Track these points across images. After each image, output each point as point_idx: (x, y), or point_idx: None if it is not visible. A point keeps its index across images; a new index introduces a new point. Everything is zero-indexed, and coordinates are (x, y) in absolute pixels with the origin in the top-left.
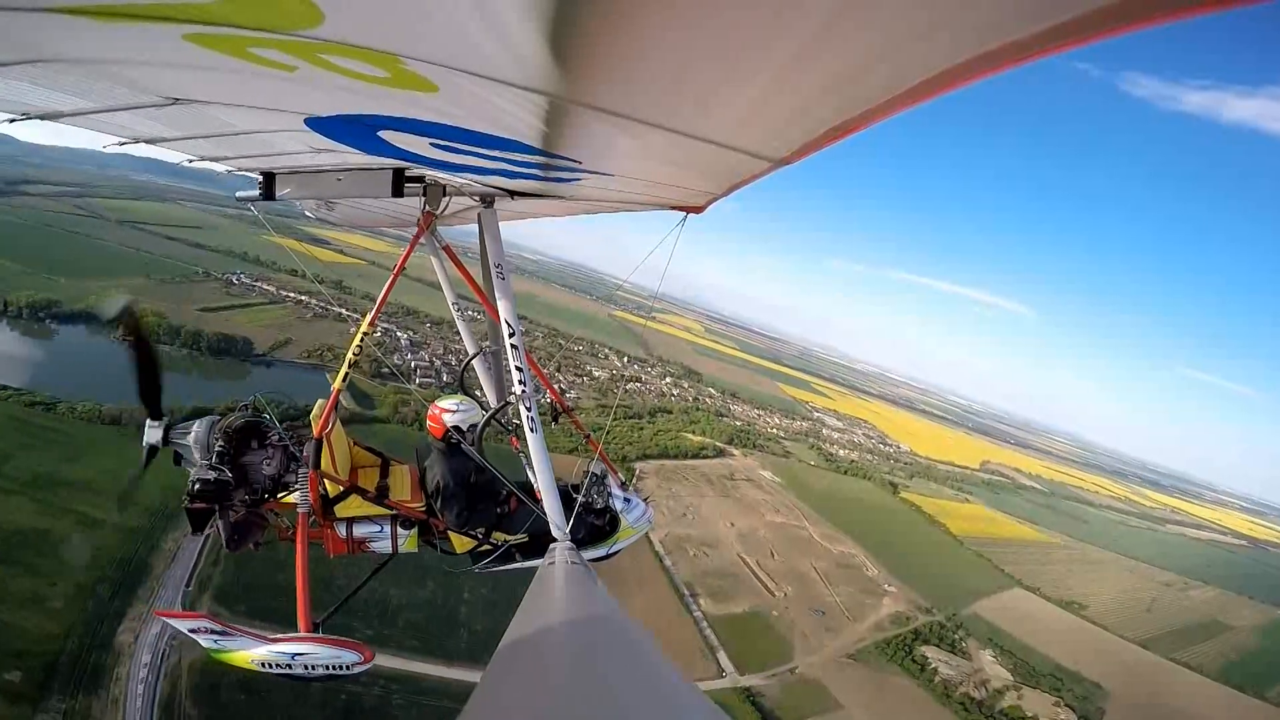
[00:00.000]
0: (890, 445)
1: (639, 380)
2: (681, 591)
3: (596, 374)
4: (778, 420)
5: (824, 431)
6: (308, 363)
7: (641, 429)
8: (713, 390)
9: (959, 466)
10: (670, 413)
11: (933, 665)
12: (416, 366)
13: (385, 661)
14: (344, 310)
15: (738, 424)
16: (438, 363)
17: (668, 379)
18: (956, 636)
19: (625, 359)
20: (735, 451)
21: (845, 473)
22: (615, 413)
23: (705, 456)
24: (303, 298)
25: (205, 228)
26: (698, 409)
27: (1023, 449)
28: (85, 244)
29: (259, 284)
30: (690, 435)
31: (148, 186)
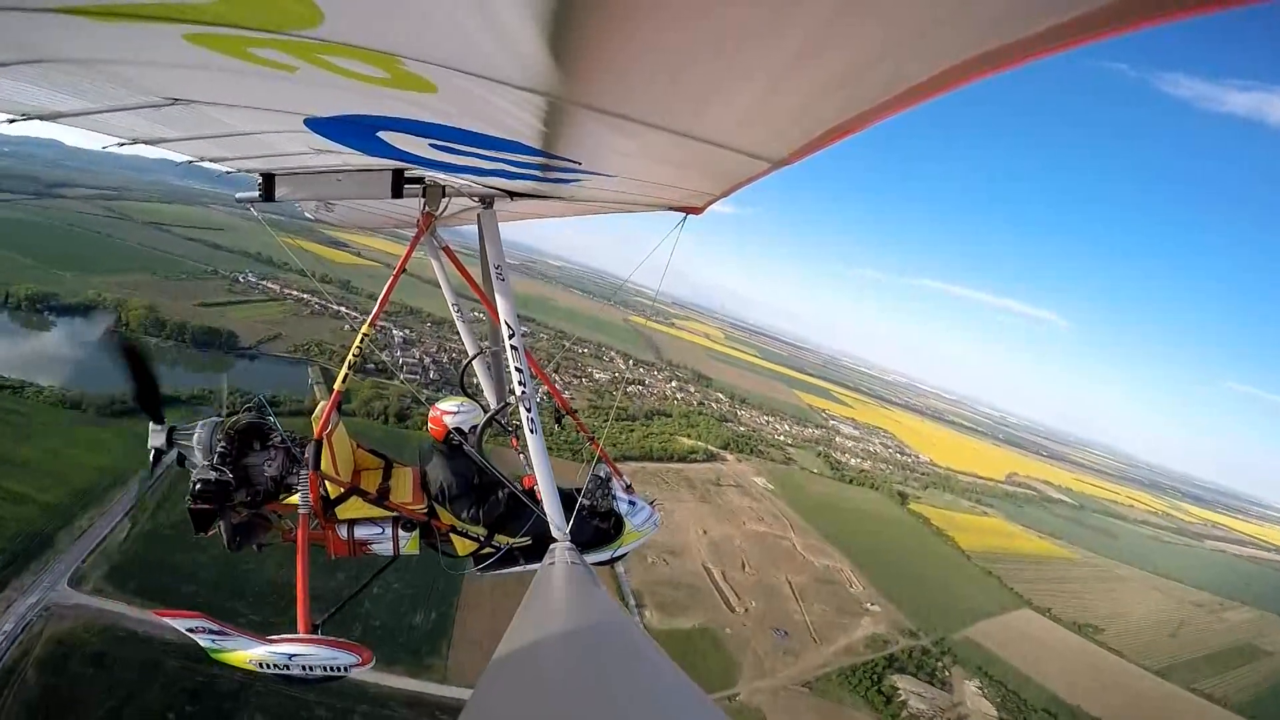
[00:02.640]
0: (909, 455)
1: (641, 383)
2: (627, 601)
3: (597, 376)
4: (787, 427)
5: (837, 440)
6: (292, 357)
7: (632, 430)
8: (721, 395)
9: (982, 478)
10: (669, 416)
11: (902, 697)
12: (404, 364)
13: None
14: (342, 308)
15: (741, 429)
16: (427, 360)
17: (673, 383)
18: (940, 664)
19: (631, 362)
20: (729, 456)
21: (851, 482)
22: (608, 414)
23: (694, 460)
24: (304, 296)
25: (228, 229)
26: (700, 413)
27: (1054, 461)
28: (104, 243)
29: (263, 282)
30: (684, 439)
31: (183, 190)
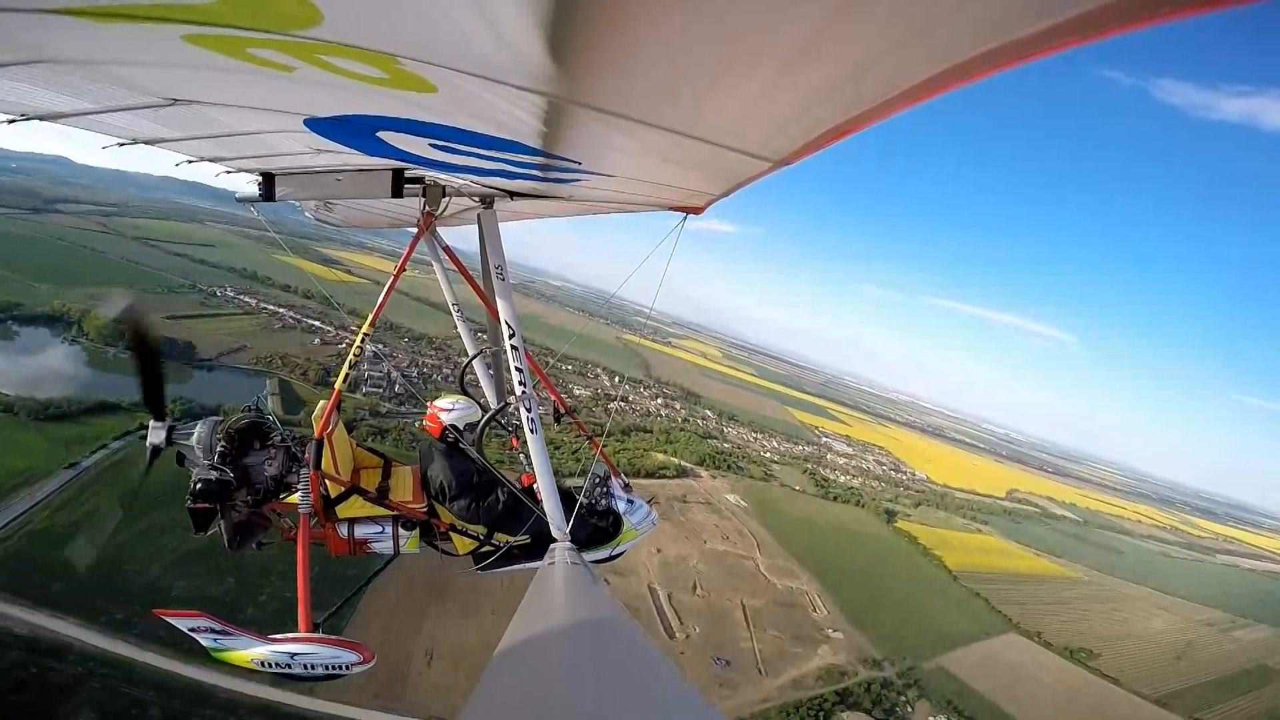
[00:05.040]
0: (904, 472)
1: (625, 400)
2: None
3: (578, 392)
4: (775, 444)
5: (828, 457)
6: (253, 369)
7: (605, 446)
8: (708, 412)
9: (980, 495)
10: (650, 432)
11: None
12: (369, 377)
13: (105, 644)
14: (318, 323)
15: (726, 446)
16: (395, 374)
17: (659, 399)
18: (903, 698)
19: (617, 379)
20: (702, 473)
21: (835, 499)
22: (581, 431)
23: (663, 476)
24: (280, 310)
25: (219, 245)
26: (683, 430)
27: (1060, 477)
28: (89, 257)
29: (241, 297)
30: (658, 455)
31: (185, 207)
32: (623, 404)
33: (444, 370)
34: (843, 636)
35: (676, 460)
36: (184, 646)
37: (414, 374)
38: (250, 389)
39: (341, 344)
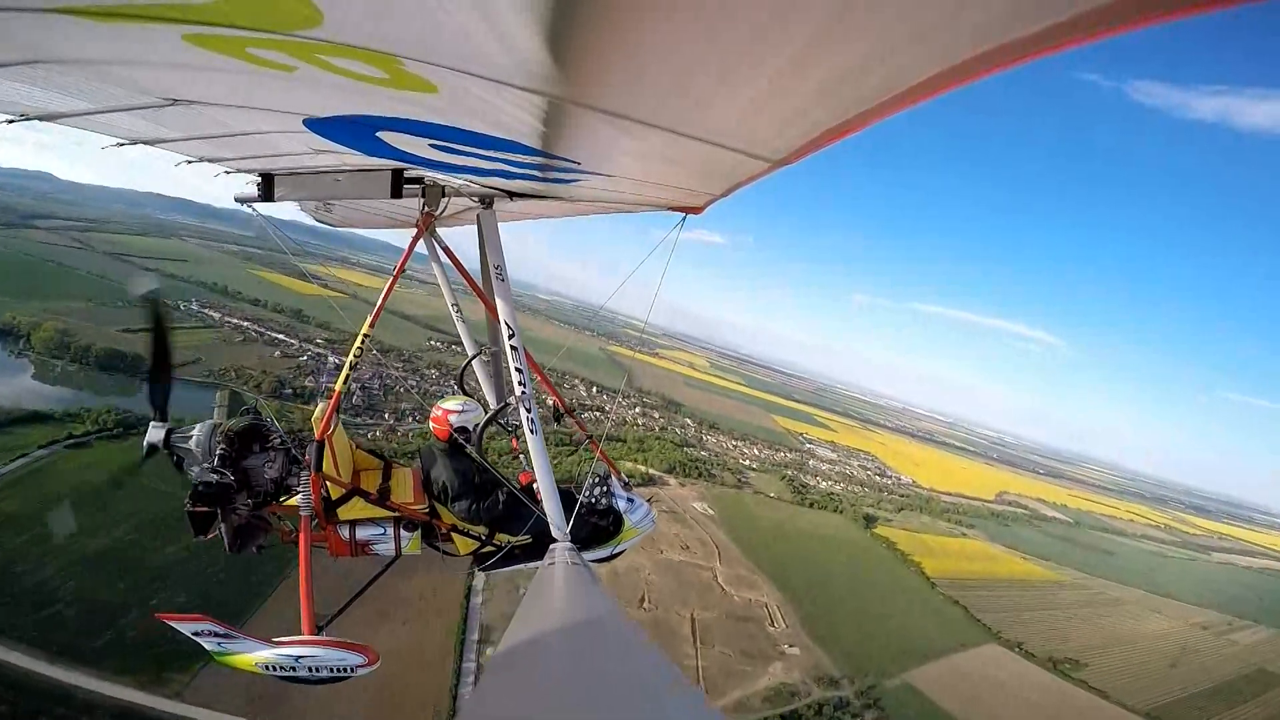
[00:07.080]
0: (889, 477)
1: (600, 409)
2: (465, 635)
3: (550, 402)
4: (756, 451)
5: (811, 463)
6: (204, 381)
7: (572, 453)
8: (688, 421)
9: (969, 498)
10: (624, 441)
11: None
12: (326, 389)
13: None
14: (282, 336)
15: (703, 454)
16: (355, 386)
17: (637, 408)
18: None
19: (594, 389)
20: (671, 480)
21: (812, 505)
22: (549, 440)
23: (629, 485)
24: (244, 324)
25: (193, 260)
26: (658, 438)
27: (1051, 478)
28: (54, 271)
29: (206, 310)
30: (627, 463)
31: (165, 224)
32: (598, 414)
33: (409, 382)
34: (799, 652)
35: (645, 468)
36: (52, 648)
37: (375, 385)
38: (199, 401)
39: (303, 356)
